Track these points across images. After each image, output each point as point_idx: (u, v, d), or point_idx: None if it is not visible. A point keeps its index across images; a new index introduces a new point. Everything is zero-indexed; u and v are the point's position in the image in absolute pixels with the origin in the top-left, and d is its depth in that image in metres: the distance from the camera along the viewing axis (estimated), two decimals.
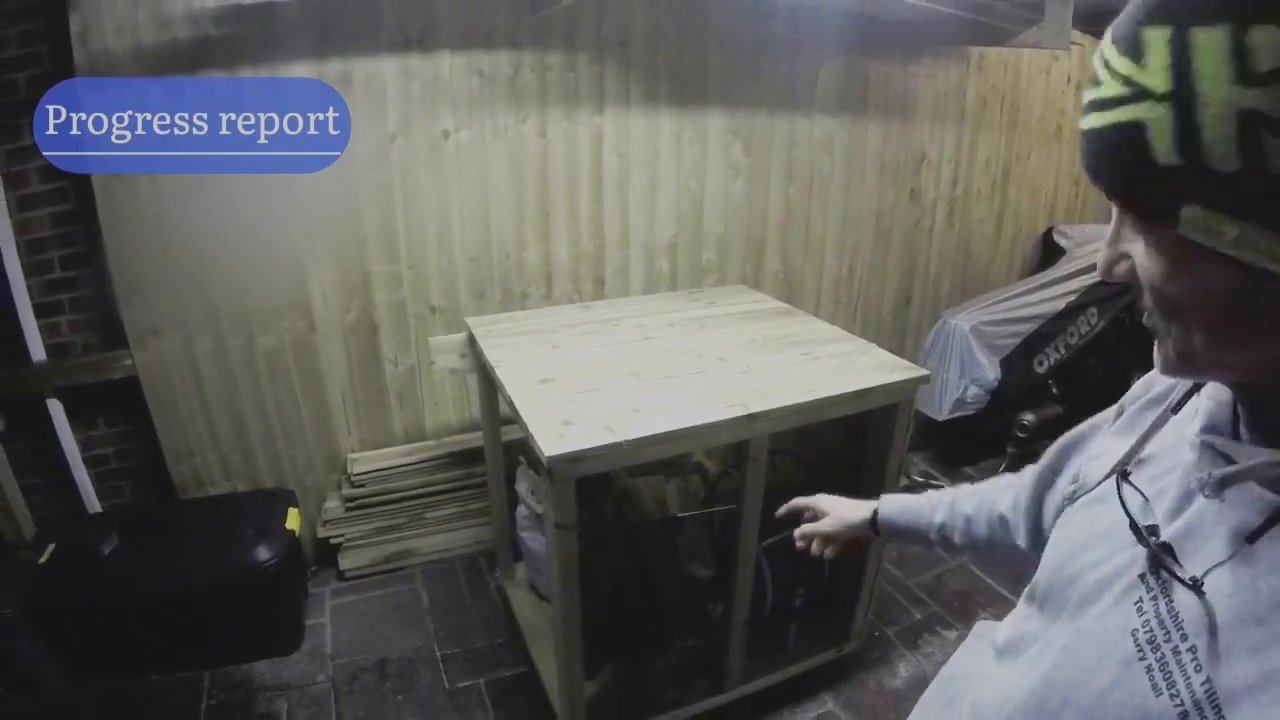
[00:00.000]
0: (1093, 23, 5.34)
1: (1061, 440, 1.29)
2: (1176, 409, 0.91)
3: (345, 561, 4.01)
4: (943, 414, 4.70)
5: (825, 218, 4.83)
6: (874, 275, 5.18)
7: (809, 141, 4.60)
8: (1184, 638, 0.74)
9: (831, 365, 2.89)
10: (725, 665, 3.06)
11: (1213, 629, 0.71)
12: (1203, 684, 0.70)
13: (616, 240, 4.27)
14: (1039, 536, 1.31)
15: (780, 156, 4.54)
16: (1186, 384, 0.92)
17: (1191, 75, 0.59)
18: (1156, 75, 0.62)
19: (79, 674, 3.35)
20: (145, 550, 3.37)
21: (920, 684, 3.34)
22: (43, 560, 3.30)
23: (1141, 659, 0.77)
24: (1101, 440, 1.12)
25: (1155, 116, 0.62)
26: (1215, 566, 0.73)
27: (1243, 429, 0.78)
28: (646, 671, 3.18)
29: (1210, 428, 0.80)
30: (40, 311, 3.43)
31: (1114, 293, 4.97)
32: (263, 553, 3.38)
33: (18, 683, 3.26)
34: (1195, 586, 0.74)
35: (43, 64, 3.20)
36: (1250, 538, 0.71)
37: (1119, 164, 0.67)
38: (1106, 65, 0.68)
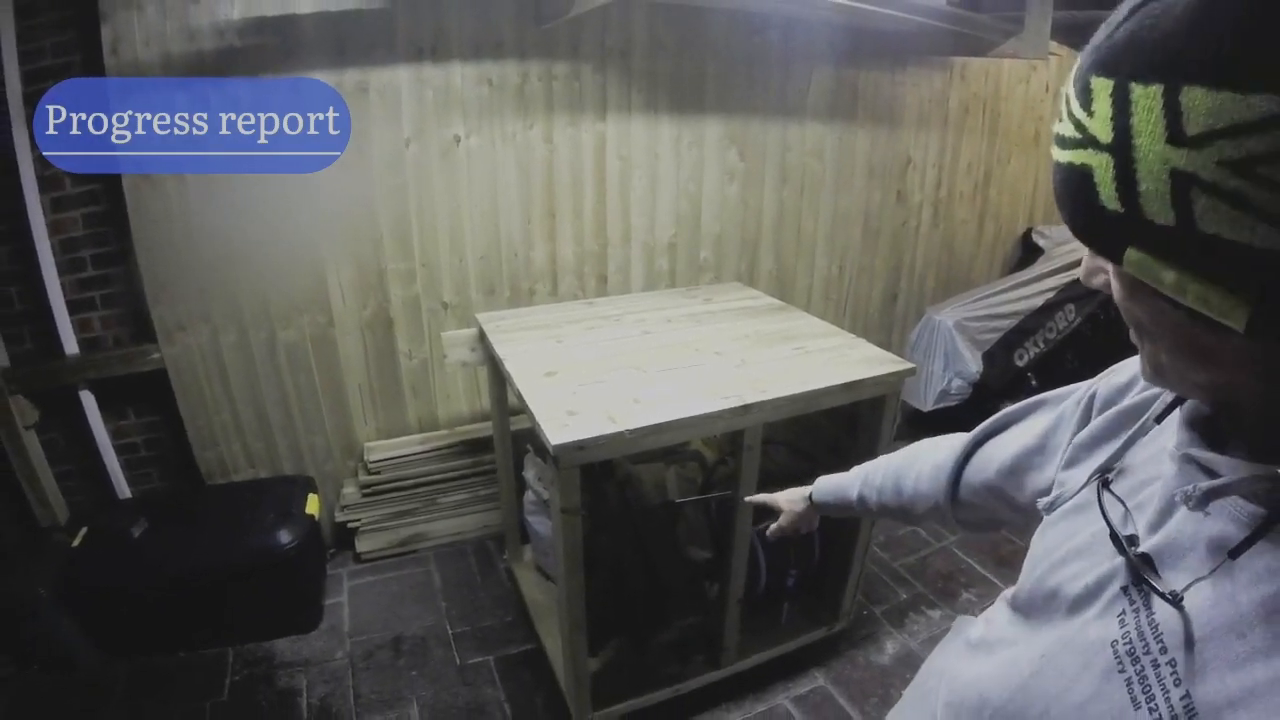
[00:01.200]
0: (1070, 34, 5.34)
1: (1002, 414, 1.33)
2: (1160, 419, 0.89)
3: (362, 544, 4.01)
4: (928, 405, 4.71)
5: (816, 219, 4.82)
6: (862, 273, 5.18)
7: (801, 146, 4.59)
8: (1163, 650, 0.72)
9: (822, 359, 2.88)
10: (722, 642, 3.05)
11: (1192, 642, 0.70)
12: (1181, 698, 0.68)
13: (618, 240, 4.26)
14: (956, 490, 1.38)
15: (773, 161, 4.54)
16: (1169, 395, 0.90)
17: (1130, 130, 0.59)
18: (1101, 125, 0.62)
19: (111, 652, 3.35)
20: (173, 534, 3.37)
21: (905, 661, 3.36)
22: (76, 543, 3.30)
23: (1121, 671, 0.75)
24: (1061, 433, 1.11)
25: (1100, 164, 0.63)
26: (1197, 581, 0.71)
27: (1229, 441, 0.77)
28: (647, 648, 3.18)
29: (1191, 441, 0.78)
30: (73, 307, 3.44)
31: (1090, 291, 4.94)
32: (284, 536, 3.38)
33: (53, 660, 3.26)
34: (1175, 601, 0.72)
35: (75, 73, 3.19)
36: (1234, 552, 0.68)
37: (1073, 201, 0.68)
38: (1066, 106, 0.69)
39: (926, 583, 3.90)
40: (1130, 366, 1.02)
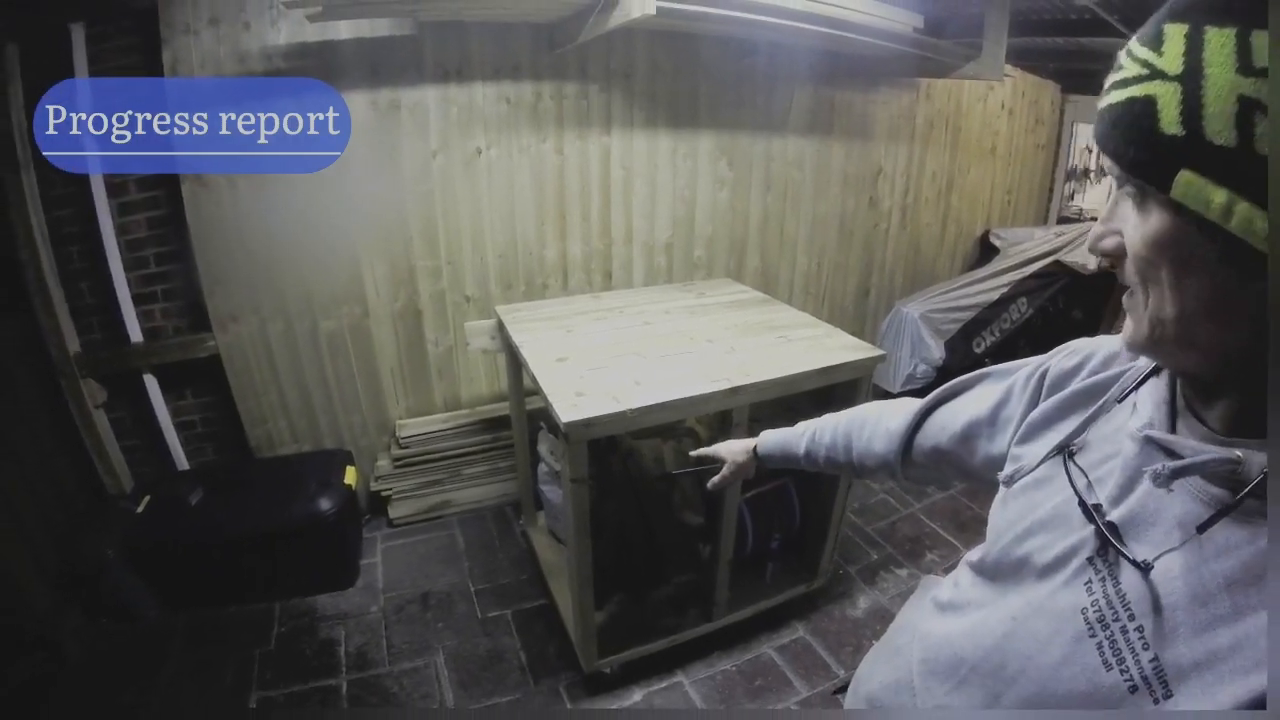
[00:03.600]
0: (1022, 58, 5.34)
1: (949, 385, 1.30)
2: (1121, 399, 0.88)
3: (394, 511, 4.01)
4: (896, 387, 4.70)
5: (797, 222, 4.80)
6: (838, 270, 5.16)
7: (783, 158, 4.57)
8: (1131, 617, 0.72)
9: (803, 346, 2.87)
10: (713, 598, 3.06)
11: (1158, 609, 0.70)
12: (1151, 661, 0.69)
13: (621, 240, 4.25)
14: (909, 452, 1.36)
15: (759, 170, 4.52)
16: (1129, 377, 0.89)
17: (1201, 62, 0.59)
18: (1172, 60, 0.62)
19: (171, 605, 3.36)
20: (226, 501, 3.38)
21: (876, 614, 3.37)
22: (140, 509, 3.31)
23: (1092, 636, 0.75)
24: (1012, 406, 1.10)
25: (1165, 93, 0.62)
26: (1167, 552, 0.71)
27: (1181, 425, 0.76)
28: (647, 603, 3.19)
29: (1153, 422, 0.78)
30: (137, 300, 3.44)
31: (1040, 285, 4.96)
32: (324, 503, 3.39)
33: (120, 613, 3.27)
34: (1146, 568, 0.72)
35: None
36: (1201, 528, 0.69)
37: (1128, 131, 0.66)
38: (1129, 54, 0.68)
39: (895, 545, 3.90)
40: (1082, 349, 1.01)
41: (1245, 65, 0.56)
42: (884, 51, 4.08)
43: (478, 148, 3.72)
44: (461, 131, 3.66)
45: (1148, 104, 0.63)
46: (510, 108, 3.72)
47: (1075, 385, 0.98)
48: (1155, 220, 0.66)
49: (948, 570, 1.17)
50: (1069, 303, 5.14)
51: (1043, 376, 1.05)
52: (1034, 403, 1.04)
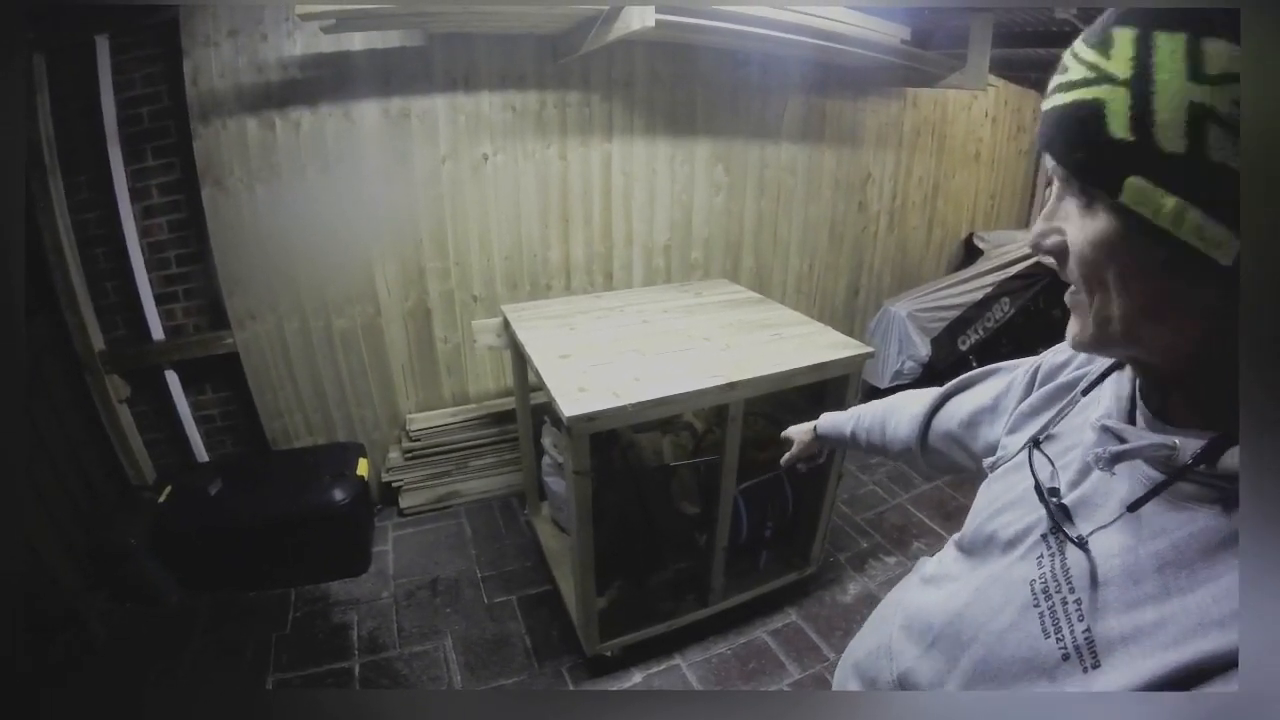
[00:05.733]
0: (1005, 68, 5.34)
1: (965, 376, 1.32)
2: (1086, 392, 0.90)
3: (404, 501, 4.01)
4: (884, 383, 4.70)
5: (790, 225, 4.80)
6: (829, 271, 5.16)
7: (777, 163, 4.57)
8: (1071, 590, 0.74)
9: (795, 344, 2.87)
10: (709, 584, 3.06)
11: (1095, 584, 0.72)
12: (1083, 631, 0.71)
13: (622, 242, 4.25)
14: (926, 437, 1.41)
15: (754, 175, 4.52)
16: (1095, 371, 0.90)
17: (1150, 67, 0.57)
18: (1120, 64, 0.60)
19: (192, 590, 3.37)
20: (244, 491, 3.38)
21: (865, 600, 3.38)
22: (162, 499, 3.31)
23: (1035, 606, 0.78)
24: (1010, 397, 1.12)
25: (1114, 97, 0.60)
26: (1100, 529, 0.74)
27: (1138, 416, 0.77)
28: (646, 589, 3.19)
29: (1111, 413, 0.79)
30: (159, 300, 3.45)
31: (1022, 286, 4.96)
32: (338, 494, 3.39)
33: (144, 597, 3.28)
34: (1081, 544, 0.74)
35: (162, 101, 3.20)
36: (1132, 506, 0.71)
37: (1075, 135, 0.64)
38: (1075, 56, 0.66)
39: (884, 533, 3.90)
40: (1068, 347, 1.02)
41: (1196, 72, 0.55)
42: (873, 62, 4.08)
43: (485, 154, 3.71)
44: (469, 138, 3.66)
45: (1095, 107, 0.61)
46: (516, 116, 3.72)
47: (1058, 380, 1.00)
48: (1101, 223, 0.65)
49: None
50: (1049, 302, 5.14)
51: (1036, 370, 1.07)
52: (1027, 394, 1.07)
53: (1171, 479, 0.68)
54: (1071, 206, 0.69)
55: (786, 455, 1.94)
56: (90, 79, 3.05)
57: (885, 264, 5.49)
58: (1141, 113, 0.58)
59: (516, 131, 3.75)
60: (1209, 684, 0.59)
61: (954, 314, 4.77)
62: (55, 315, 3.22)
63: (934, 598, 1.00)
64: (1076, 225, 0.68)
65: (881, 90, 4.79)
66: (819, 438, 1.84)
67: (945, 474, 1.62)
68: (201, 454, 3.77)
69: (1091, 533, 0.74)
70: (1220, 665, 0.59)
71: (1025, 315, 5.05)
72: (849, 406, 2.86)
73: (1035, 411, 1.01)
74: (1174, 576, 0.65)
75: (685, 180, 4.30)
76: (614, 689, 2.94)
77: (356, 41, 3.29)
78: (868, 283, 5.44)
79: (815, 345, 2.86)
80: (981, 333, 4.88)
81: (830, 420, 1.79)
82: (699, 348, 2.83)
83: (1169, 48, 0.57)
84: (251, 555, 3.38)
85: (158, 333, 3.47)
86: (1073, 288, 0.73)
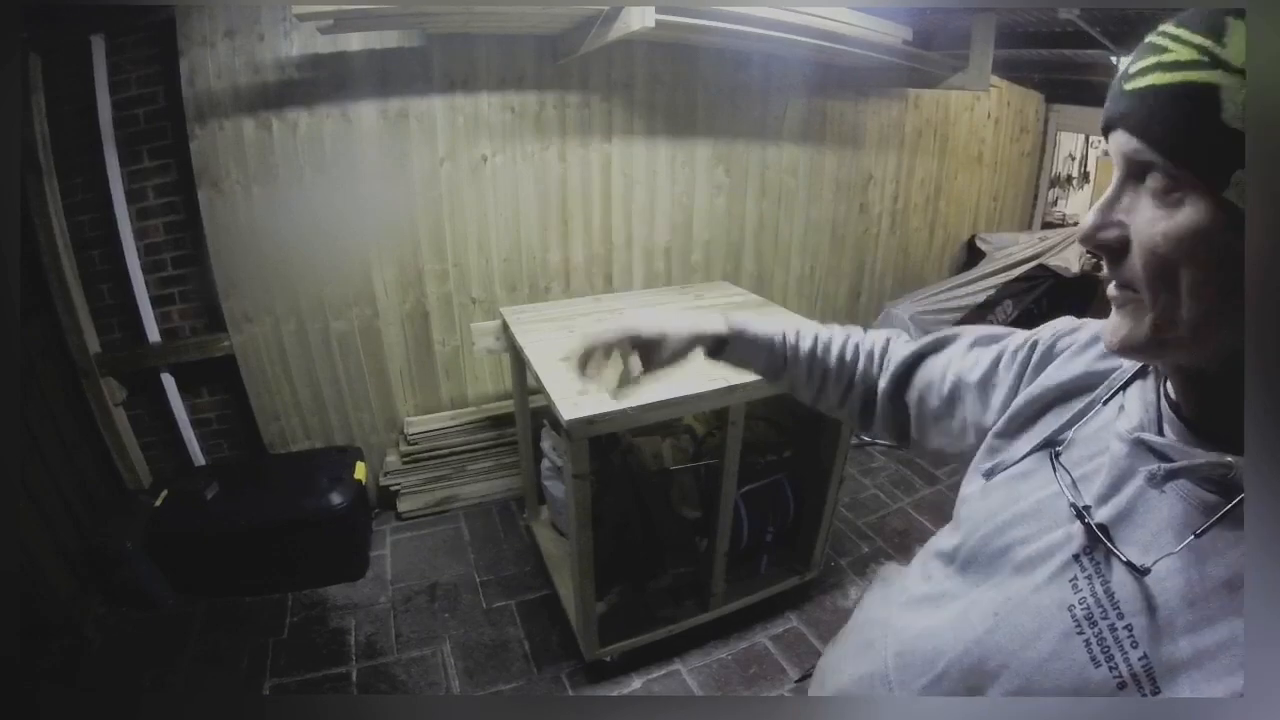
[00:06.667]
0: (1008, 69, 5.34)
1: (937, 337, 1.23)
2: (1108, 400, 0.85)
3: (402, 505, 4.01)
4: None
5: (791, 227, 4.81)
6: (830, 274, 5.16)
7: (778, 165, 4.57)
8: (1120, 616, 0.70)
9: None
10: (710, 589, 3.05)
11: (1151, 609, 0.68)
12: (1140, 659, 0.67)
13: (622, 244, 4.25)
14: (894, 392, 1.25)
15: (754, 177, 4.52)
16: (1117, 378, 0.86)
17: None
18: (1237, 53, 0.56)
19: (188, 595, 3.37)
20: (241, 495, 3.38)
21: None
22: (158, 503, 3.31)
23: (1080, 633, 0.73)
24: (1000, 381, 1.04)
25: (1230, 84, 0.56)
26: (1165, 556, 0.68)
27: (1167, 428, 0.74)
28: (646, 594, 3.18)
29: (1142, 424, 0.76)
30: (155, 302, 3.45)
31: (1025, 288, 4.97)
32: (335, 498, 3.39)
33: (140, 601, 3.27)
34: (1144, 572, 0.69)
35: (158, 102, 3.20)
36: (1200, 533, 0.66)
37: (1183, 119, 0.60)
38: (1177, 39, 0.61)
39: (885, 538, 3.89)
40: (1064, 329, 0.98)
41: None
42: (874, 63, 4.08)
43: (484, 155, 3.72)
44: (468, 140, 3.66)
45: (1209, 91, 0.57)
46: (515, 117, 3.72)
47: (1063, 378, 0.94)
48: (1188, 215, 0.60)
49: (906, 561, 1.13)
50: (1053, 305, 5.14)
51: (1032, 348, 1.01)
52: (1020, 375, 1.00)
53: (1238, 503, 0.64)
54: (1144, 197, 0.65)
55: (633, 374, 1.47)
56: (86, 79, 3.06)
57: (887, 266, 5.49)
58: None
59: (515, 133, 3.75)
60: None
61: (956, 316, 4.77)
62: (50, 317, 3.21)
63: (936, 621, 0.93)
64: (1148, 217, 0.64)
65: (883, 91, 4.80)
66: (725, 338, 1.38)
67: (883, 438, 1.35)
68: (198, 457, 3.76)
69: (1157, 561, 0.69)
70: None
71: (1028, 317, 5.05)
72: None
73: (1036, 414, 0.95)
74: (1233, 598, 0.63)
75: (686, 182, 4.31)
76: (613, 695, 2.94)
77: (354, 42, 3.29)
78: (869, 285, 5.44)
79: None
80: None
81: (750, 322, 1.38)
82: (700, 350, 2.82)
83: None
84: (248, 560, 3.37)
85: (154, 335, 3.46)
86: (1117, 285, 0.70)
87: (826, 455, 3.05)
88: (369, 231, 3.63)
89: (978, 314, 4.83)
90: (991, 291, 4.89)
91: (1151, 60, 0.63)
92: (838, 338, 1.37)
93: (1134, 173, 0.66)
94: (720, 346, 1.40)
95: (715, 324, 1.37)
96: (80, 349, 3.30)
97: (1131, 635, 0.69)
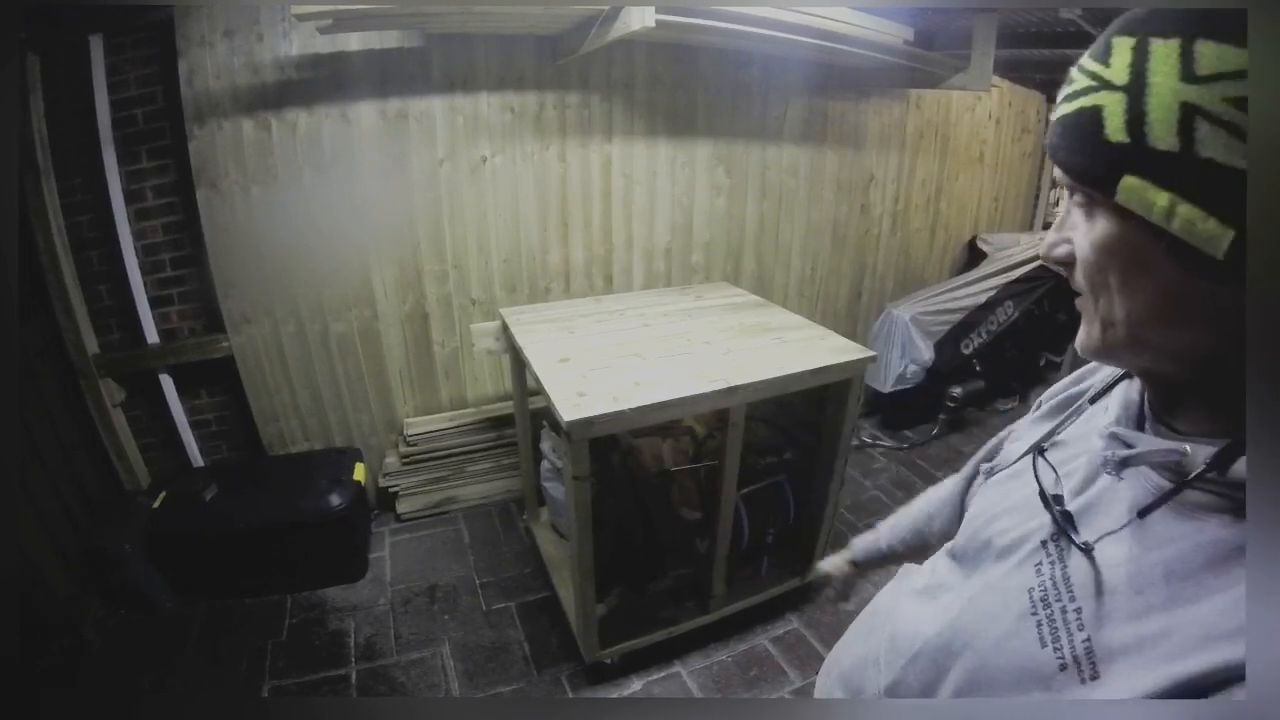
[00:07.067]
0: (1009, 70, 5.34)
1: (990, 444, 1.26)
2: (1094, 401, 0.91)
3: (401, 506, 4.01)
4: (887, 387, 4.70)
5: (792, 227, 4.81)
6: (831, 274, 5.16)
7: (778, 165, 4.57)
8: (1072, 599, 0.74)
9: (797, 348, 2.87)
10: (710, 590, 3.06)
11: (1098, 593, 0.72)
12: (1083, 641, 0.70)
13: (622, 245, 4.25)
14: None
15: (755, 178, 4.52)
16: (1104, 379, 0.91)
17: (1146, 73, 0.60)
18: (1118, 71, 0.63)
19: (187, 597, 3.37)
20: (240, 497, 3.38)
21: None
22: (156, 504, 3.31)
23: (1034, 614, 0.77)
24: (1021, 428, 1.10)
25: (1111, 102, 0.62)
26: (1106, 535, 0.73)
27: (1148, 425, 0.77)
28: (646, 595, 3.19)
29: (1119, 420, 0.80)
30: (154, 303, 3.45)
31: (1026, 289, 4.98)
32: (334, 499, 3.39)
33: (138, 603, 3.28)
34: (1087, 550, 0.74)
35: (157, 102, 3.20)
36: (1142, 512, 0.70)
37: (1075, 141, 0.67)
38: (1080, 69, 0.68)
39: None
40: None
41: (1188, 74, 0.57)
42: (875, 63, 4.08)
43: (483, 156, 3.72)
44: (467, 140, 3.66)
45: (1094, 113, 0.64)
46: (514, 117, 3.72)
47: (1066, 392, 1.01)
48: (1101, 225, 0.67)
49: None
50: (1054, 305, 5.15)
51: (1040, 403, 1.07)
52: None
53: (1181, 486, 0.68)
54: (1078, 215, 0.72)
55: (831, 594, 1.75)
56: (84, 80, 3.06)
57: (888, 267, 5.49)
58: (1136, 115, 0.60)
59: (515, 133, 3.75)
60: (1205, 698, 0.59)
61: (958, 317, 4.77)
62: (49, 318, 3.22)
63: (929, 610, 0.99)
64: (1081, 231, 0.71)
65: (884, 91, 4.80)
66: (856, 564, 1.67)
67: None
68: (196, 459, 3.77)
69: (1099, 539, 0.74)
70: (1222, 679, 0.58)
71: (1029, 318, 5.07)
72: (850, 410, 2.88)
73: (1039, 421, 1.02)
74: (1180, 587, 0.65)
75: (686, 183, 4.31)
76: (613, 697, 2.94)
77: (353, 42, 3.29)
78: (870, 286, 5.44)
79: (817, 349, 2.86)
80: (985, 336, 4.89)
81: (863, 544, 1.66)
82: (699, 351, 2.83)
83: (1164, 52, 0.59)
84: (247, 561, 3.37)
85: (152, 336, 3.47)
86: (1081, 295, 0.74)
87: (827, 457, 3.05)
88: (368, 232, 3.63)
89: (979, 315, 4.83)
90: (993, 292, 4.89)
91: (1063, 93, 0.70)
92: (903, 520, 1.57)
93: (1071, 193, 0.73)
94: (858, 567, 1.69)
95: (846, 556, 1.70)
96: (79, 350, 3.31)
97: (1079, 618, 0.72)
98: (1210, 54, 0.56)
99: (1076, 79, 0.68)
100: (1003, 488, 0.97)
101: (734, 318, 3.25)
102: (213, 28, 3.08)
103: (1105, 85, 0.64)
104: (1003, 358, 5.16)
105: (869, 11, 3.76)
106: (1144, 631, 0.65)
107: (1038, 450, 0.91)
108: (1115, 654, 0.67)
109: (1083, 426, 0.90)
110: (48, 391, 3.20)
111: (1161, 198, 0.59)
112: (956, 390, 4.89)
